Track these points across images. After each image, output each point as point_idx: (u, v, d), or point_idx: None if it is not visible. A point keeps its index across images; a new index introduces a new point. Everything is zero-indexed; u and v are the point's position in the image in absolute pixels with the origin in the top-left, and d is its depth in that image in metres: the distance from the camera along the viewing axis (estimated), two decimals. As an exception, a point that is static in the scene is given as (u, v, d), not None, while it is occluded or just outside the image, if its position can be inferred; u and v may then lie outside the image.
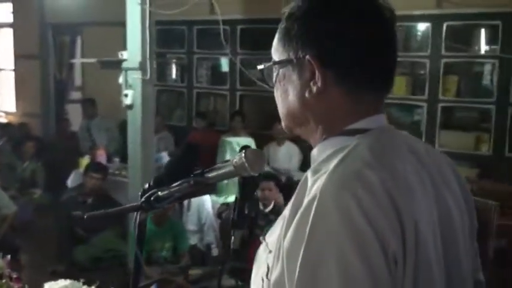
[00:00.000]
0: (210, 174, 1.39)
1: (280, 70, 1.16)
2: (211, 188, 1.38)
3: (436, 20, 6.59)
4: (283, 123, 1.22)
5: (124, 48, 5.22)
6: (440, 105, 6.75)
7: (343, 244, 0.93)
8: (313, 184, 1.01)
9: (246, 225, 1.41)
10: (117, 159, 7.47)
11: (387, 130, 1.13)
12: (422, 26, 6.93)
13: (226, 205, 5.74)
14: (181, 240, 5.18)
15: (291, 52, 1.12)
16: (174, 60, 8.61)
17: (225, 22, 7.30)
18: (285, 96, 1.17)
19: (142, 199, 1.42)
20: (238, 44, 8.02)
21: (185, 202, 5.60)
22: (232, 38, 7.87)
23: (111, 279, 3.92)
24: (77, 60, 9.02)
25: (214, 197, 6.05)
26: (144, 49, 5.08)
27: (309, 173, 1.06)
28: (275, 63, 1.17)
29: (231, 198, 5.80)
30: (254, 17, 7.86)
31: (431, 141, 6.42)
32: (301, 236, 0.96)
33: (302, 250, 0.95)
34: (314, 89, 1.10)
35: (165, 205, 1.44)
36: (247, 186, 1.40)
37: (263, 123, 7.94)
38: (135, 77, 5.09)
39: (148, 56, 5.09)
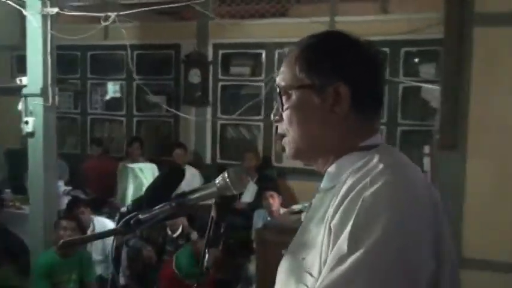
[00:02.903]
0: (192, 196, 1.43)
1: (296, 95, 1.23)
2: (192, 209, 1.39)
3: (393, 46, 6.64)
4: (294, 147, 1.26)
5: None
6: (400, 128, 6.85)
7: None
8: (353, 191, 1.09)
9: (219, 243, 1.46)
10: (8, 190, 7.10)
11: (389, 146, 1.27)
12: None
13: (133, 232, 5.62)
14: (88, 270, 4.97)
15: (315, 79, 1.21)
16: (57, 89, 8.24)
17: (121, 47, 7.22)
18: (303, 120, 1.23)
19: (121, 223, 1.42)
20: (135, 69, 7.93)
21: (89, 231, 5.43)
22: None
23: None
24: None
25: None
26: (46, 74, 4.93)
27: (339, 184, 1.15)
28: (300, 87, 1.22)
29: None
30: (150, 42, 7.85)
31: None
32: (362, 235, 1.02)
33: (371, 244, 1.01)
34: (339, 112, 1.20)
35: (145, 228, 1.44)
36: (223, 207, 1.46)
37: (160, 149, 7.88)
38: (37, 103, 4.92)
39: (50, 82, 4.94)
